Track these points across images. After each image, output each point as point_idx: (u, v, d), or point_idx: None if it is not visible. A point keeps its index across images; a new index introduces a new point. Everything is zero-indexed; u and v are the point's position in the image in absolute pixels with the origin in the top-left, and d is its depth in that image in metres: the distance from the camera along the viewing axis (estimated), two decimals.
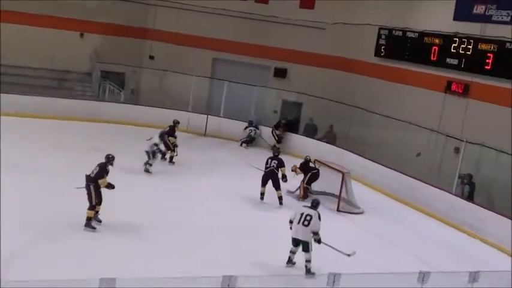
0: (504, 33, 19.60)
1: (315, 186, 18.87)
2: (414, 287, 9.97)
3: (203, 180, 19.23)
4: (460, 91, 21.17)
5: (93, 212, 13.60)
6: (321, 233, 12.91)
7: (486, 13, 20.34)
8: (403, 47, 23.82)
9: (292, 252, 13.18)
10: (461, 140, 19.50)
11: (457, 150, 20.04)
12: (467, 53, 20.87)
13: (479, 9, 20.60)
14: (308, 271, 12.73)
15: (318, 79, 26.69)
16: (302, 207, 13.28)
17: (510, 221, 16.53)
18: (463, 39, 21.04)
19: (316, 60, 27.25)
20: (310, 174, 18.64)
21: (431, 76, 22.40)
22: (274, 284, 9.89)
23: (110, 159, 14.10)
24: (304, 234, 12.79)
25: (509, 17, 19.59)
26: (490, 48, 20.04)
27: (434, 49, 22.24)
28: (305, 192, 18.61)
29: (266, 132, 24.89)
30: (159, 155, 19.65)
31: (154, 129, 23.91)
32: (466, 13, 21.09)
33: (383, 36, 24.89)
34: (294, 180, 18.64)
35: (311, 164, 19.01)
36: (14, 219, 13.05)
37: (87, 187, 13.63)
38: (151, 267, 11.78)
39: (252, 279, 9.75)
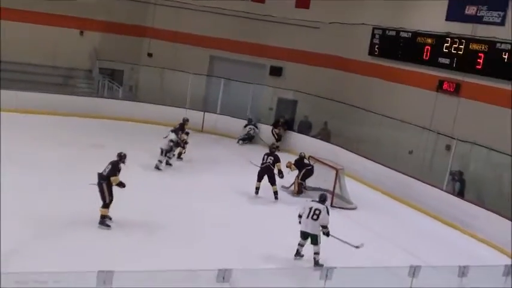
0: (495, 33, 19.65)
1: (309, 182, 18.90)
2: (405, 280, 10.00)
3: (203, 176, 19.25)
4: (452, 90, 21.21)
5: (107, 210, 13.49)
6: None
7: (477, 14, 20.37)
8: (396, 46, 23.84)
9: (301, 245, 13.35)
10: (452, 138, 19.55)
11: (448, 147, 20.09)
12: (459, 52, 20.91)
13: (470, 10, 20.64)
14: (316, 263, 12.95)
15: (313, 77, 26.71)
16: (310, 201, 13.42)
17: (499, 217, 16.62)
18: (455, 39, 21.08)
19: (311, 58, 27.26)
20: (304, 170, 18.67)
21: (424, 75, 22.43)
22: (269, 277, 9.91)
23: (122, 157, 13.87)
24: (313, 227, 12.98)
25: (499, 18, 19.63)
26: (481, 48, 20.08)
27: (427, 49, 22.27)
28: (299, 187, 18.65)
29: (264, 130, 24.90)
30: (174, 152, 19.85)
31: (153, 126, 24.24)
32: (458, 14, 21.13)
33: (377, 36, 24.90)
34: (289, 176, 18.66)
35: (305, 161, 19.04)
36: (14, 214, 13.03)
37: (100, 185, 13.47)
38: (154, 262, 11.69)
39: (249, 272, 9.82)
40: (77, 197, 14.87)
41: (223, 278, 8.29)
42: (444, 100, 21.47)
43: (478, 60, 20.12)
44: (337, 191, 18.18)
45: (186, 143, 20.32)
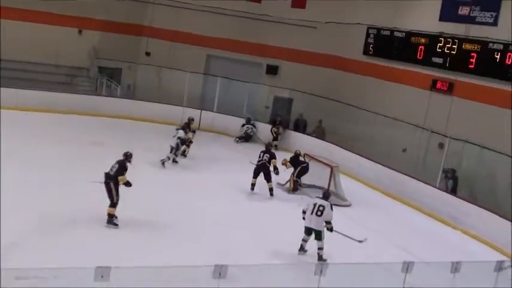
0: (487, 33, 19.69)
1: (305, 179, 18.88)
2: (398, 276, 10.02)
3: (201, 174, 19.27)
4: (445, 89, 21.24)
5: (114, 210, 13.37)
6: None
7: (470, 14, 20.41)
8: (390, 46, 23.86)
9: (304, 241, 13.49)
10: (445, 136, 19.60)
11: (441, 145, 20.12)
12: (452, 52, 20.94)
13: (463, 10, 20.67)
14: (320, 258, 13.10)
15: (308, 76, 26.71)
16: (315, 198, 13.64)
17: (491, 213, 16.66)
18: (448, 39, 21.11)
19: (306, 58, 27.27)
20: (299, 167, 18.67)
21: (418, 74, 22.46)
22: (263, 272, 9.92)
23: (128, 156, 13.78)
24: (317, 223, 13.14)
25: (492, 18, 19.67)
26: (474, 48, 20.11)
27: (421, 48, 22.30)
28: (295, 185, 18.65)
29: (261, 128, 24.86)
30: (186, 148, 19.98)
31: (151, 124, 24.25)
32: (451, 14, 21.16)
33: (372, 36, 24.92)
34: (284, 174, 18.67)
35: (301, 158, 19.03)
36: (15, 211, 12.99)
37: (107, 184, 13.35)
38: (154, 258, 11.63)
39: (245, 268, 9.83)
40: (77, 193, 14.91)
41: (220, 274, 8.30)
42: (437, 99, 21.51)
43: (471, 59, 20.16)
44: (331, 188, 18.15)
45: (190, 142, 20.35)
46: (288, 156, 19.42)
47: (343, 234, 14.22)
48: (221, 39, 28.05)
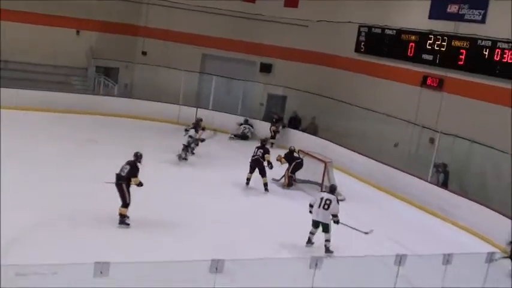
0: (476, 30, 19.68)
1: (299, 174, 18.87)
2: (392, 269, 9.99)
3: (199, 170, 19.25)
4: (435, 85, 21.22)
5: (126, 210, 13.23)
6: (306, 216, 13.15)
7: (459, 12, 20.39)
8: (381, 43, 23.83)
9: (312, 233, 13.66)
10: (436, 131, 19.59)
11: (432, 140, 20.10)
12: (442, 49, 20.92)
13: (452, 8, 20.65)
14: (327, 250, 13.27)
15: (301, 74, 26.71)
16: (321, 192, 14.12)
17: (481, 206, 16.69)
18: (438, 37, 21.10)
19: (299, 56, 27.25)
20: (294, 163, 18.65)
21: (408, 71, 22.43)
22: (261, 266, 9.89)
23: (138, 156, 13.58)
24: (324, 216, 13.33)
25: (480, 16, 19.66)
26: (463, 44, 20.10)
27: (411, 45, 22.28)
28: (289, 180, 18.63)
29: (257, 126, 24.85)
30: (194, 146, 20.05)
31: (148, 122, 24.22)
32: (441, 12, 21.15)
33: (363, 33, 24.88)
34: (279, 169, 18.66)
35: (295, 154, 19.01)
36: (15, 208, 12.93)
37: (119, 185, 13.18)
38: (154, 254, 11.58)
39: (241, 263, 9.80)
40: (76, 190, 14.85)
41: (216, 268, 8.25)
42: (428, 95, 21.49)
43: (460, 56, 20.15)
44: (325, 183, 18.14)
45: (202, 140, 20.37)
46: (283, 152, 19.40)
47: (349, 226, 14.33)
48: (216, 39, 28.01)
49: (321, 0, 26.35)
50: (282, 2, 25.91)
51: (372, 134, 22.05)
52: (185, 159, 19.72)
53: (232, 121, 24.71)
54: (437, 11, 21.35)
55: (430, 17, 21.65)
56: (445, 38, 20.80)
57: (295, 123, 25.43)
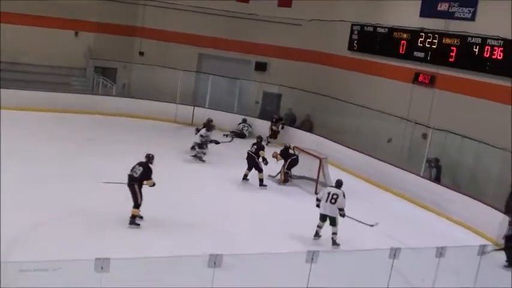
0: (466, 28, 19.67)
1: (295, 171, 18.88)
2: (386, 262, 10.00)
3: (196, 167, 19.26)
4: (427, 82, 21.22)
5: (138, 211, 13.17)
6: (302, 212, 13.17)
7: (449, 10, 20.39)
8: (374, 41, 23.82)
9: (319, 227, 13.86)
10: (428, 127, 19.64)
11: (424, 136, 20.13)
12: (433, 46, 20.92)
13: (443, 6, 20.65)
14: (334, 242, 13.60)
15: (296, 72, 26.70)
16: (328, 187, 14.25)
17: (474, 200, 16.74)
18: (429, 34, 21.09)
19: (294, 54, 27.23)
20: (290, 160, 18.65)
21: (400, 68, 22.43)
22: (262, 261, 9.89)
23: (150, 158, 13.52)
24: (331, 210, 13.60)
25: (470, 14, 19.66)
26: (454, 42, 20.11)
27: (403, 43, 22.27)
28: (285, 176, 18.64)
29: (255, 124, 24.85)
30: (208, 144, 20.08)
31: (145, 120, 24.19)
32: (431, 10, 21.14)
33: (355, 32, 24.86)
34: (275, 166, 18.66)
35: (290, 151, 19.00)
36: (16, 206, 12.91)
37: (132, 186, 13.10)
38: (156, 250, 11.64)
39: (239, 257, 9.79)
40: (76, 189, 14.85)
41: (215, 263, 8.25)
42: (420, 91, 21.49)
43: (451, 53, 20.15)
44: (320, 179, 18.16)
45: (217, 142, 20.47)
46: (277, 148, 19.41)
47: (355, 219, 14.64)
48: (212, 38, 27.99)
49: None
50: (276, 2, 25.82)
51: (365, 130, 22.11)
52: (202, 160, 19.76)
53: (228, 119, 24.69)
54: (428, 9, 21.34)
55: (421, 15, 21.63)
56: (436, 35, 20.81)
57: (290, 120, 25.41)
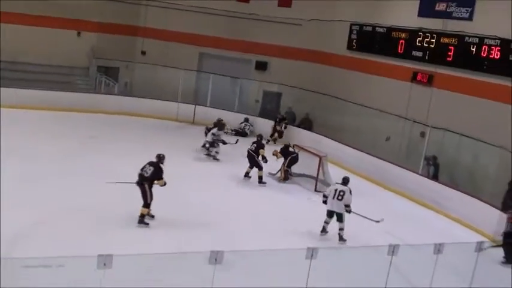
0: (463, 28, 19.67)
1: (295, 168, 18.86)
2: (385, 258, 10.00)
3: (196, 164, 19.25)
4: (425, 81, 21.22)
5: (147, 210, 13.13)
6: (301, 209, 13.17)
7: (447, 10, 20.39)
8: (372, 41, 23.81)
9: (326, 223, 13.96)
10: (426, 125, 19.64)
11: (422, 134, 20.13)
12: (431, 46, 20.92)
13: (441, 6, 20.65)
14: (341, 238, 13.71)
15: (295, 71, 26.69)
16: (336, 184, 14.30)
17: (471, 197, 16.73)
18: (427, 34, 21.09)
19: (293, 53, 27.22)
20: (290, 158, 18.63)
21: (399, 67, 22.42)
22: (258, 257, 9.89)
23: (161, 158, 13.43)
24: (338, 206, 13.73)
25: (467, 14, 19.66)
26: (451, 41, 20.10)
27: (401, 42, 22.27)
28: (285, 174, 18.63)
29: (256, 123, 24.83)
30: (220, 143, 20.16)
31: (147, 119, 24.17)
32: (429, 10, 21.14)
33: (354, 31, 24.86)
34: (276, 164, 18.66)
35: (290, 149, 19.01)
36: (16, 203, 12.90)
37: (142, 186, 13.06)
38: (155, 246, 11.60)
39: (240, 254, 9.79)
40: (79, 187, 14.83)
41: (216, 259, 8.24)
42: (418, 90, 21.49)
43: (449, 53, 20.16)
44: (320, 176, 18.16)
45: (224, 143, 20.41)
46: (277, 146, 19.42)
47: (361, 215, 14.69)
48: (213, 38, 27.99)
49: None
50: (276, 2, 25.82)
51: (364, 128, 22.09)
52: (216, 158, 19.83)
53: (229, 117, 24.60)
54: (426, 9, 21.34)
55: (419, 15, 21.63)
56: (434, 35, 20.80)
57: (289, 118, 25.38)
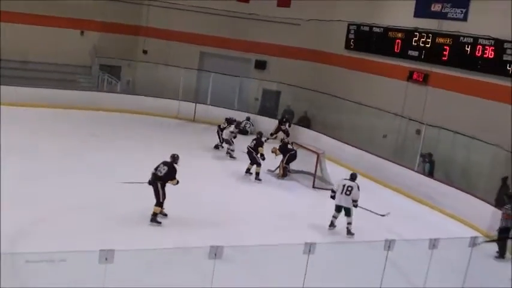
0: (458, 28, 19.68)
1: (293, 165, 18.86)
2: (381, 253, 10.01)
3: (195, 161, 19.21)
4: (421, 80, 21.22)
5: (159, 209, 13.07)
6: (300, 205, 13.18)
7: (442, 10, 20.41)
8: (370, 40, 23.81)
9: (334, 217, 14.14)
10: (422, 123, 19.65)
11: (418, 132, 20.15)
12: (427, 45, 20.93)
13: (436, 7, 20.65)
14: (349, 232, 13.91)
15: (294, 70, 26.64)
16: (343, 179, 14.32)
17: (466, 194, 16.78)
18: (423, 34, 21.09)
19: (292, 53, 27.18)
20: (288, 155, 18.63)
21: (395, 66, 22.42)
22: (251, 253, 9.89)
23: (175, 158, 13.42)
24: (346, 201, 13.93)
25: (462, 14, 19.68)
26: (446, 41, 20.12)
27: (398, 42, 22.26)
28: (284, 171, 18.63)
29: (256, 121, 24.80)
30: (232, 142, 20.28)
31: (149, 117, 24.19)
32: (425, 11, 21.14)
33: (352, 31, 24.85)
34: (275, 161, 18.66)
35: (289, 146, 19.01)
36: (17, 201, 12.87)
37: (155, 185, 13.00)
38: (155, 243, 11.47)
39: (239, 249, 9.80)
40: (80, 184, 14.81)
41: (215, 254, 8.24)
42: (414, 89, 21.49)
43: (444, 52, 20.17)
44: (318, 173, 18.19)
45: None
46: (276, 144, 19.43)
47: (368, 210, 14.90)
48: (213, 37, 27.95)
49: (312, 0, 26.31)
50: (275, 2, 25.79)
51: (361, 126, 22.10)
52: (233, 157, 19.90)
53: (229, 115, 24.51)
54: (421, 10, 21.35)
55: (415, 15, 21.63)
56: (430, 35, 20.81)
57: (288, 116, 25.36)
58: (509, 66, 17.78)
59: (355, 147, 20.93)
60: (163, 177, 13.02)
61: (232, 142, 20.15)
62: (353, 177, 14.30)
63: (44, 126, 20.63)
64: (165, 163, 13.23)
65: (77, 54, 27.34)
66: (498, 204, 15.55)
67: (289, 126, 23.77)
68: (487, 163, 17.73)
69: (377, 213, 15.01)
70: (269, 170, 18.70)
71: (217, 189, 16.47)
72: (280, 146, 18.94)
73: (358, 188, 14.02)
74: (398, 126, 21.42)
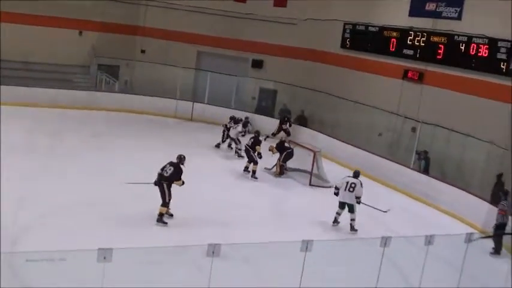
0: (453, 27, 19.70)
1: (290, 163, 18.85)
2: (377, 250, 9.99)
3: (195, 160, 19.18)
4: (416, 78, 21.23)
5: (165, 209, 13.01)
6: (296, 203, 13.15)
7: (437, 10, 20.42)
8: (365, 39, 23.79)
9: (338, 214, 14.28)
10: (417, 121, 19.68)
11: (413, 129, 20.16)
12: (421, 44, 20.94)
13: (431, 6, 20.66)
14: (352, 228, 14.02)
15: (291, 69, 26.63)
16: (347, 177, 14.50)
17: (460, 190, 16.80)
18: (418, 33, 21.09)
19: (289, 52, 27.15)
20: (285, 153, 18.61)
21: (391, 65, 22.41)
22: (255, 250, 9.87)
23: (181, 159, 13.32)
24: (350, 198, 14.07)
25: (456, 13, 19.70)
26: (441, 40, 20.13)
27: (393, 41, 22.26)
28: (281, 169, 18.61)
29: (256, 120, 24.73)
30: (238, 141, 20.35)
31: (147, 116, 24.16)
32: (420, 10, 21.15)
33: (348, 31, 24.83)
34: (271, 159, 18.64)
35: (286, 144, 18.99)
36: (17, 199, 12.83)
37: (161, 185, 12.95)
38: (155, 241, 11.51)
39: (236, 247, 9.78)
40: (77, 183, 14.76)
41: (213, 252, 8.21)
42: (409, 87, 21.49)
43: (439, 51, 20.19)
44: (314, 171, 18.17)
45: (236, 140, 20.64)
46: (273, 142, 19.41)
47: (370, 206, 15.08)
48: (210, 37, 27.90)
49: (308, 0, 26.32)
50: (272, 1, 25.78)
51: (357, 124, 22.10)
52: (241, 155, 19.76)
53: (226, 114, 24.54)
54: (416, 9, 21.36)
55: (410, 15, 21.64)
56: (424, 34, 20.81)
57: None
58: (503, 65, 17.82)
59: (352, 145, 20.95)
60: (169, 177, 12.95)
61: (239, 141, 20.14)
62: (356, 175, 14.46)
63: (43, 126, 20.55)
64: (171, 163, 13.18)
65: (75, 54, 27.27)
66: (493, 200, 15.55)
67: (290, 126, 23.77)
68: (482, 160, 17.75)
69: (379, 210, 15.09)
70: (266, 168, 18.68)
71: (215, 187, 16.43)
72: (277, 144, 18.92)
73: (361, 185, 14.14)
74: (394, 124, 21.42)
